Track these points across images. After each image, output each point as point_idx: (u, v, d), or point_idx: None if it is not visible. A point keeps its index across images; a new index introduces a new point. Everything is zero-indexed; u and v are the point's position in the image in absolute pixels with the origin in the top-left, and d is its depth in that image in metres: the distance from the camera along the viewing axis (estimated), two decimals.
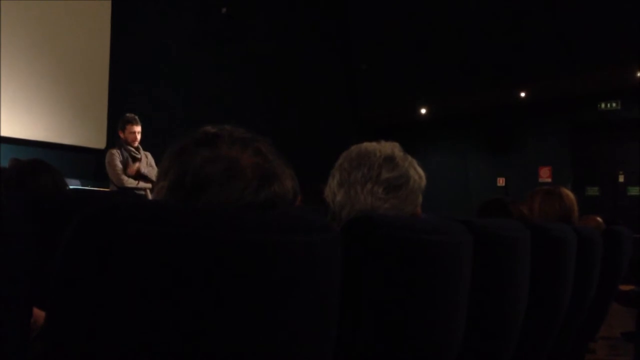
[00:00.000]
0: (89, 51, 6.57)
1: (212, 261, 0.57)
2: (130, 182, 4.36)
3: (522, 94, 8.67)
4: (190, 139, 0.85)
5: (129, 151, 4.44)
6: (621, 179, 8.68)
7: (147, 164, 4.50)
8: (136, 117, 4.49)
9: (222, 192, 0.79)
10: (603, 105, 8.57)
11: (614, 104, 8.51)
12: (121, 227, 0.54)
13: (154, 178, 4.40)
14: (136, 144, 4.46)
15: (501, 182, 9.37)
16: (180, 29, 7.41)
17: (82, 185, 5.14)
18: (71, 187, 4.72)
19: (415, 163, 1.27)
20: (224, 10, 7.71)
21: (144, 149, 4.55)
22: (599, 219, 3.56)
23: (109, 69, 6.69)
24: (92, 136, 6.44)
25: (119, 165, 4.39)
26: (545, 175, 8.99)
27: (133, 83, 6.75)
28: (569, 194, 2.47)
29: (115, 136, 4.69)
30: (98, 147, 6.41)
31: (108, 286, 0.54)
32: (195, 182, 0.80)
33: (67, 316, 0.55)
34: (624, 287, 3.53)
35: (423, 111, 9.55)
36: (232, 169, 0.80)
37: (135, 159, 4.46)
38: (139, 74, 6.84)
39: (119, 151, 4.44)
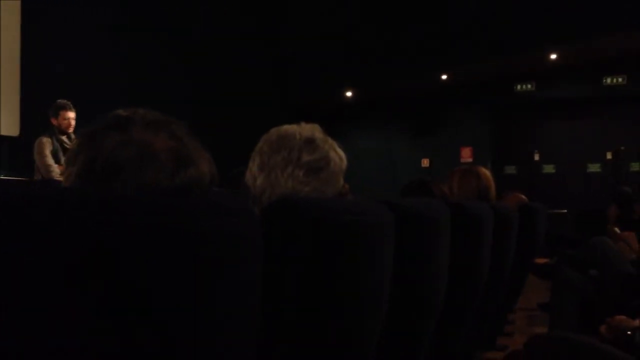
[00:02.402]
0: None
1: (118, 249, 0.54)
2: (57, 174, 4.15)
3: (444, 77, 8.91)
4: (101, 123, 0.81)
5: (60, 141, 4.25)
6: (537, 157, 9.09)
7: None
8: (69, 103, 4.32)
9: (135, 177, 0.76)
10: (519, 87, 8.93)
11: (529, 86, 8.88)
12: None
13: None
14: (70, 129, 4.29)
15: (425, 163, 9.62)
16: (98, 14, 7.11)
17: None
18: None
19: (335, 145, 1.27)
20: None
21: None
22: (523, 196, 3.72)
23: (20, 54, 6.34)
24: (4, 123, 6.09)
25: (49, 155, 4.18)
26: (466, 155, 9.30)
27: (46, 68, 6.41)
28: (485, 172, 2.55)
29: (34, 124, 4.43)
30: (11, 135, 6.09)
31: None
32: (106, 167, 0.76)
33: None
34: (540, 260, 3.71)
35: (349, 95, 9.65)
36: (145, 153, 0.77)
37: (67, 150, 4.24)
38: (52, 59, 6.50)
39: (49, 139, 4.23)
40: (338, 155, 1.26)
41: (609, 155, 8.45)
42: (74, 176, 0.79)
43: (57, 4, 6.62)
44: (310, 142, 1.22)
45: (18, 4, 6.33)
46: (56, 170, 4.16)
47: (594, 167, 8.82)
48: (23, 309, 0.51)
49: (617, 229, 3.82)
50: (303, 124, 1.25)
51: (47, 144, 4.21)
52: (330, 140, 1.26)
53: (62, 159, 4.20)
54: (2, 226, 0.51)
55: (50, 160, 4.18)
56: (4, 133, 5.95)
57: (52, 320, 0.52)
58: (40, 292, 0.51)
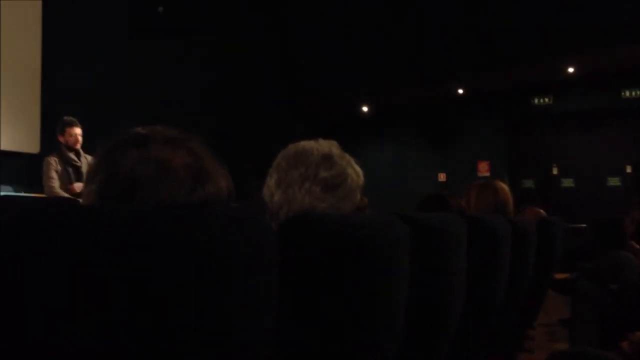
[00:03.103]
0: (20, 53, 6.29)
1: (135, 263, 0.55)
2: (61, 194, 4.15)
3: (460, 91, 8.89)
4: (120, 140, 0.82)
5: (68, 159, 4.25)
6: (555, 171, 9.01)
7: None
8: (75, 120, 4.33)
9: (153, 193, 0.77)
10: (537, 100, 8.88)
11: (546, 99, 8.82)
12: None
13: None
14: (78, 146, 4.28)
15: (442, 177, 9.57)
16: (115, 27, 7.23)
17: (15, 192, 4.94)
18: (2, 193, 4.52)
19: (352, 161, 1.28)
20: (160, 9, 7.57)
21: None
22: (541, 210, 3.68)
23: (41, 70, 6.44)
24: (24, 140, 6.18)
25: (53, 177, 4.19)
26: (483, 169, 9.23)
27: (67, 85, 6.51)
28: (503, 187, 2.54)
29: (54, 141, 4.42)
30: (31, 152, 6.17)
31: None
32: (125, 184, 0.77)
33: None
34: (559, 276, 3.66)
35: (364, 108, 9.66)
36: (164, 169, 0.78)
37: (76, 167, 4.27)
38: (73, 76, 6.61)
39: (56, 159, 4.23)
40: (355, 171, 1.26)
41: (628, 169, 8.35)
42: (93, 194, 0.80)
43: (78, 24, 6.74)
44: (327, 158, 1.23)
45: (39, 23, 6.45)
46: (58, 191, 4.17)
47: (614, 181, 8.70)
48: (34, 317, 0.52)
49: (637, 245, 3.77)
50: (321, 140, 1.26)
51: (53, 164, 4.21)
52: (347, 157, 1.27)
53: (72, 176, 4.25)
54: (16, 241, 0.52)
55: (53, 182, 4.18)
56: (24, 150, 6.03)
57: (60, 328, 0.53)
58: (50, 301, 0.52)
